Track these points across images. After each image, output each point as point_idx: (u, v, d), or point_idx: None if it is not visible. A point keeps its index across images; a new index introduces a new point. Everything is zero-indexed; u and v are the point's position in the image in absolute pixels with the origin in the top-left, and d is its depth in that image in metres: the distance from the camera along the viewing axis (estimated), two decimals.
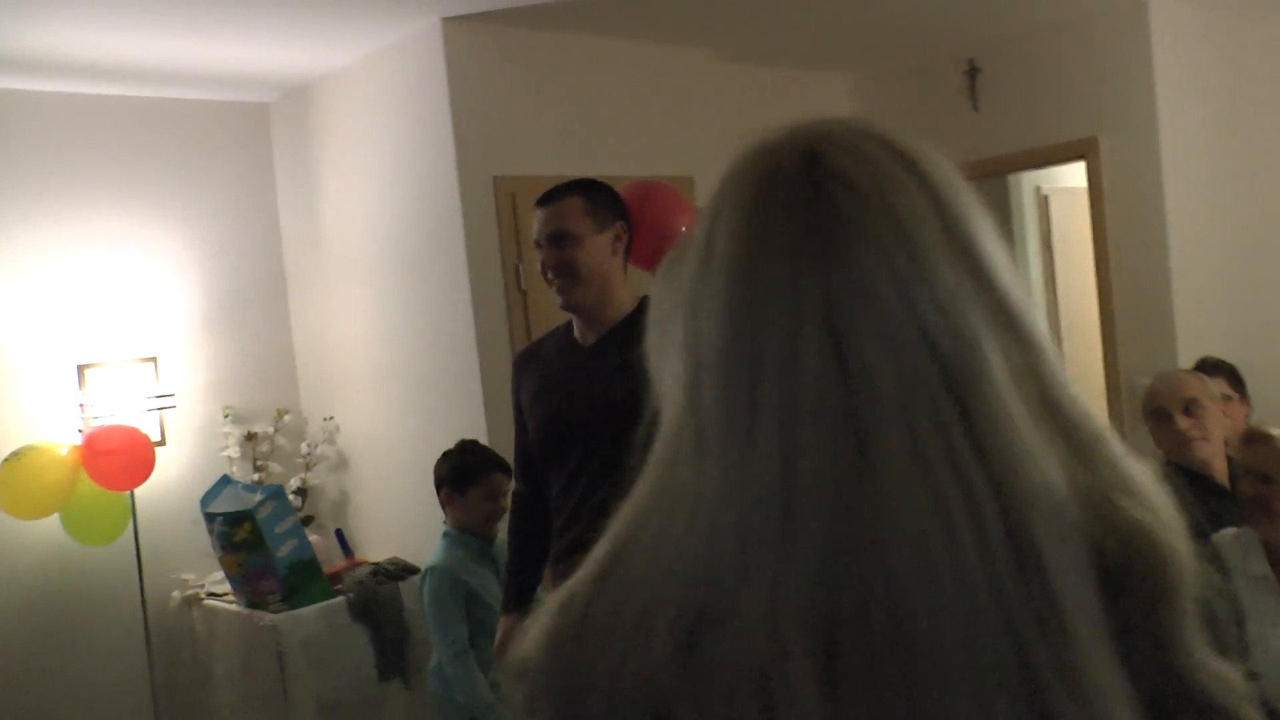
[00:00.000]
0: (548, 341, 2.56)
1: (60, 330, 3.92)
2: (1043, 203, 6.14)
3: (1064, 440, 0.59)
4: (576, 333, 2.45)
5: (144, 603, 3.91)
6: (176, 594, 4.05)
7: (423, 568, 3.01)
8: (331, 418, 4.39)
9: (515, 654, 0.65)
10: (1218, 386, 2.93)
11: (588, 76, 4.07)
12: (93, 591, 3.90)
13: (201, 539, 3.84)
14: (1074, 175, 4.77)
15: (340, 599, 3.77)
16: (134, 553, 3.86)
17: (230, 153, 4.43)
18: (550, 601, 0.66)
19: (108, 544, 3.80)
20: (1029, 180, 6.04)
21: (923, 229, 0.60)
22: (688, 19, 4.03)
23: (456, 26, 3.71)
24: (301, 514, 4.07)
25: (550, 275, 2.36)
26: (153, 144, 4.21)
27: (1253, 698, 0.60)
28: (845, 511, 0.55)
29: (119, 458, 3.68)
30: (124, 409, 3.87)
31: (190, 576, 4.06)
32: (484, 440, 3.62)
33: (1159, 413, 2.68)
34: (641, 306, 2.41)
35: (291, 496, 4.08)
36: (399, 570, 3.96)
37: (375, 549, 4.22)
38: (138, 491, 3.82)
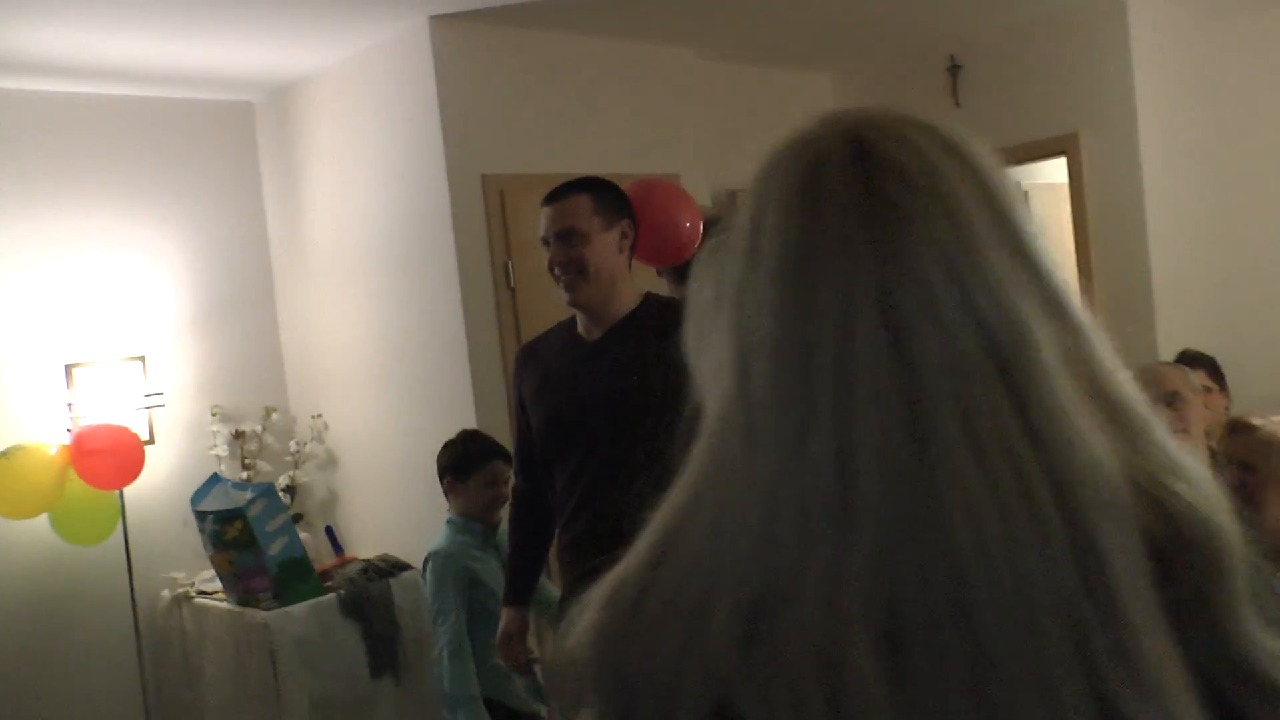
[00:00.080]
0: (549, 337, 2.58)
1: (48, 330, 3.91)
2: (1023, 198, 6.19)
3: (1113, 424, 0.60)
4: (581, 328, 2.47)
5: (134, 602, 3.90)
6: (166, 593, 4.05)
7: (426, 553, 3.05)
8: (319, 415, 4.39)
9: (559, 648, 0.64)
10: (1198, 379, 2.97)
11: (575, 75, 4.09)
12: (82, 591, 3.89)
13: (191, 538, 3.85)
14: (1055, 171, 4.83)
15: (331, 596, 3.78)
16: (123, 552, 3.86)
17: (216, 152, 4.43)
18: (594, 595, 0.65)
19: (97, 544, 3.79)
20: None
21: (973, 218, 0.60)
22: (673, 18, 4.06)
23: (444, 25, 3.72)
24: (290, 512, 4.08)
25: (557, 272, 2.39)
26: (138, 143, 4.20)
27: None
28: (902, 499, 0.55)
29: (108, 457, 3.68)
30: (112, 408, 3.87)
31: (180, 575, 4.06)
32: None
33: None
34: (644, 303, 2.45)
35: (280, 495, 4.08)
36: (389, 567, 3.98)
37: (365, 546, 4.23)
38: (126, 491, 3.82)
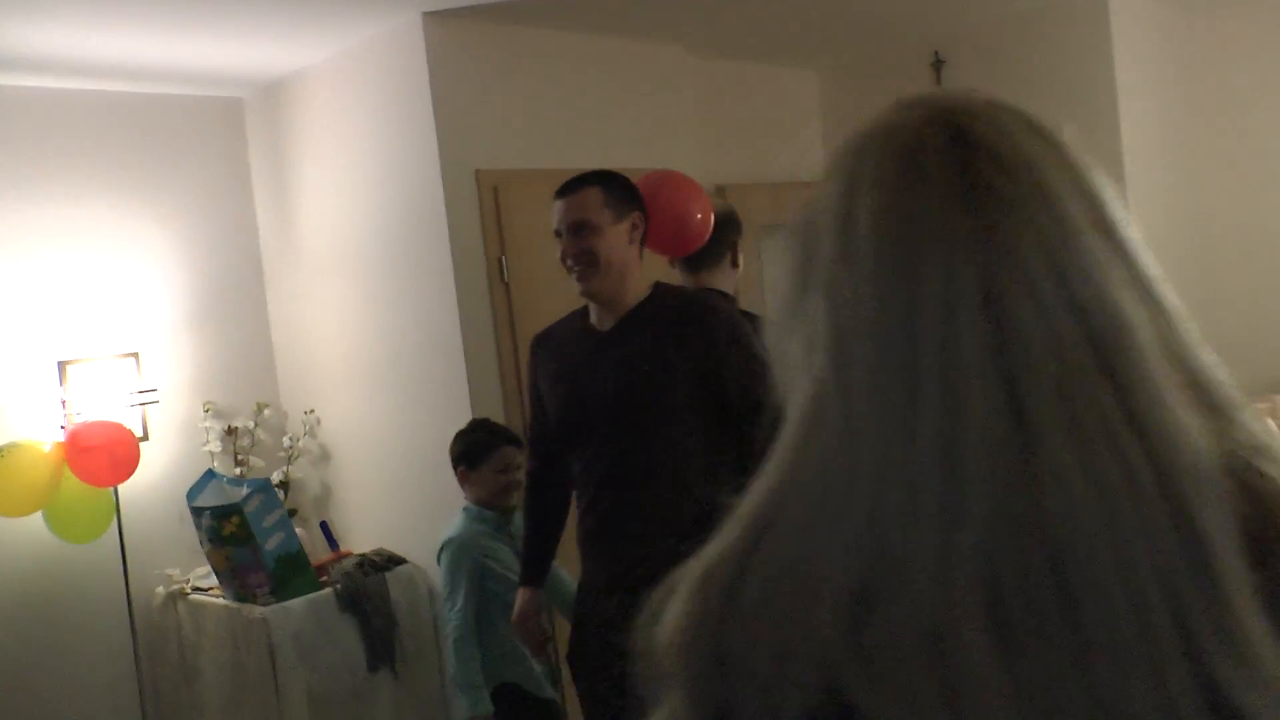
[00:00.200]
0: (562, 326, 2.63)
1: (41, 327, 3.90)
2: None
3: (1204, 406, 0.60)
4: (593, 318, 2.52)
5: (129, 599, 3.90)
6: (161, 590, 4.05)
7: (441, 540, 3.09)
8: (312, 411, 4.40)
9: (643, 639, 0.64)
10: None
11: (567, 71, 4.12)
12: (77, 589, 3.89)
13: (187, 534, 3.86)
14: None
15: (328, 591, 3.80)
16: (118, 549, 3.86)
17: (205, 148, 4.42)
18: (682, 582, 0.64)
19: (91, 541, 3.79)
20: None
21: (1068, 203, 0.61)
22: (663, 14, 4.09)
23: (437, 21, 3.74)
24: (284, 508, 4.08)
25: (570, 263, 2.44)
26: (128, 140, 4.19)
27: None
28: (1006, 484, 0.56)
29: (103, 454, 3.67)
30: (106, 405, 3.86)
31: (174, 572, 4.06)
32: None
33: None
34: (655, 293, 2.50)
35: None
36: (385, 561, 4.00)
37: (359, 541, 4.25)
38: (121, 488, 3.82)
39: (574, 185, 2.46)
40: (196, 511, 3.68)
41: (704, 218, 2.93)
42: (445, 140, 3.74)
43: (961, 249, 0.59)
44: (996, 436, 0.56)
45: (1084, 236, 0.61)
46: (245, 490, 3.68)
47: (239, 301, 4.47)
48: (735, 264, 3.10)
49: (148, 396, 4.02)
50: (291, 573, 3.72)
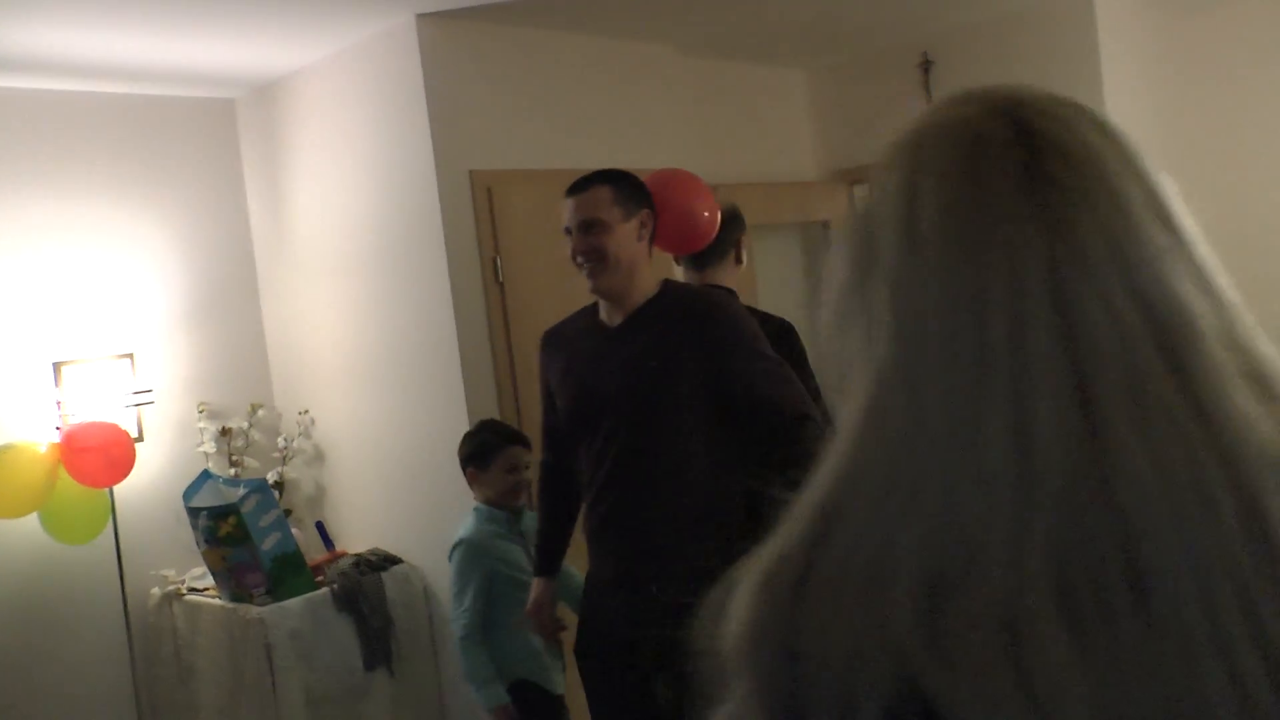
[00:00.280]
0: (572, 322, 2.68)
1: (35, 328, 3.90)
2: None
3: (1264, 395, 0.61)
4: (603, 314, 2.57)
5: (125, 600, 3.91)
6: (156, 590, 4.05)
7: (453, 540, 3.12)
8: (306, 411, 4.41)
9: (705, 637, 0.64)
10: None
11: (560, 71, 4.14)
12: (73, 590, 3.89)
13: (183, 535, 3.86)
14: None
15: (324, 591, 3.81)
16: (114, 550, 3.87)
17: (198, 149, 4.43)
18: (747, 575, 0.64)
19: (87, 542, 3.79)
20: None
21: (1130, 196, 0.62)
22: (652, 15, 4.11)
23: (430, 23, 3.76)
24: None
25: (580, 260, 2.48)
26: (121, 140, 4.19)
27: None
28: (1075, 474, 0.56)
29: (99, 455, 3.68)
30: (101, 406, 3.87)
31: (170, 572, 4.07)
32: (466, 429, 3.69)
33: None
34: (664, 290, 2.55)
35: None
36: (381, 561, 4.01)
37: (354, 541, 4.26)
38: (116, 488, 3.82)
39: (584, 183, 2.50)
40: (193, 512, 3.69)
41: (711, 216, 2.98)
42: (440, 141, 3.76)
43: (1027, 241, 0.60)
44: (1065, 426, 0.57)
45: (1145, 227, 0.62)
46: (242, 490, 3.70)
47: (233, 302, 4.48)
48: (739, 261, 3.16)
49: (143, 397, 4.02)
50: (288, 573, 3.74)
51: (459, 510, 3.79)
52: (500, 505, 3.15)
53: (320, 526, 4.24)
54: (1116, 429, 0.57)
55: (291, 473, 4.41)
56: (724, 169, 4.79)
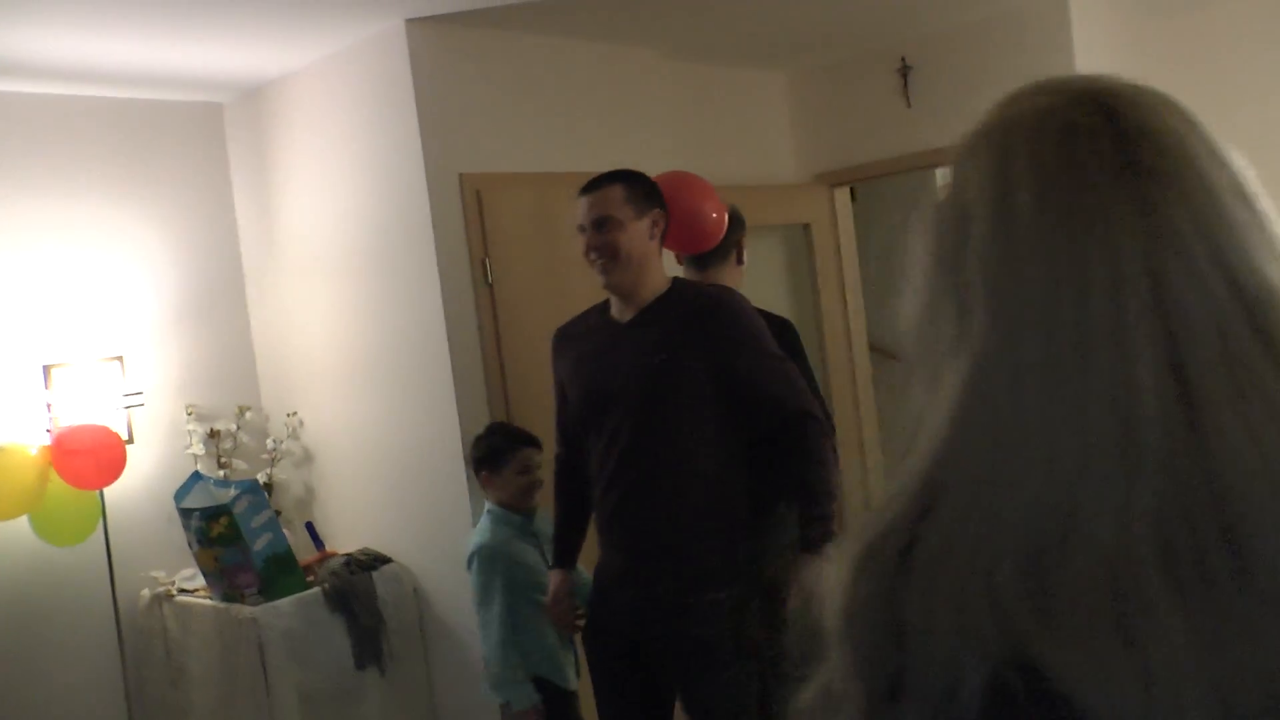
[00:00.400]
0: (583, 320, 2.75)
1: (25, 331, 3.91)
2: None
3: None
4: (614, 310, 2.64)
5: (115, 602, 3.92)
6: (146, 592, 4.07)
7: (469, 547, 3.15)
8: (295, 413, 4.44)
9: (807, 602, 0.66)
10: None
11: (545, 75, 4.19)
12: (63, 592, 3.89)
13: (174, 536, 3.88)
14: None
15: (316, 590, 3.84)
16: (104, 552, 3.88)
17: (185, 153, 4.44)
18: (847, 552, 0.66)
19: (77, 544, 3.80)
20: None
21: (1215, 177, 0.64)
22: (633, 18, 4.16)
23: (420, 28, 3.80)
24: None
25: (593, 256, 2.56)
26: (109, 144, 4.20)
27: None
28: (1176, 448, 0.58)
29: (90, 457, 3.69)
30: (92, 408, 3.88)
31: (160, 574, 4.08)
32: (457, 431, 3.74)
33: None
34: (674, 287, 2.62)
35: None
36: (371, 560, 4.04)
37: (344, 541, 4.28)
38: (107, 490, 3.83)
39: (598, 182, 2.58)
40: (185, 513, 3.71)
41: (719, 217, 3.05)
42: (429, 144, 3.80)
43: (1123, 226, 0.62)
44: (1165, 400, 0.59)
45: (1232, 210, 0.64)
46: (233, 491, 3.72)
47: (220, 305, 4.50)
48: (740, 261, 3.23)
49: (133, 399, 4.04)
50: (280, 573, 3.76)
51: (449, 509, 3.84)
52: (513, 507, 3.17)
53: (310, 527, 4.27)
54: (1215, 409, 0.59)
55: (280, 474, 4.43)
56: (706, 171, 4.79)
